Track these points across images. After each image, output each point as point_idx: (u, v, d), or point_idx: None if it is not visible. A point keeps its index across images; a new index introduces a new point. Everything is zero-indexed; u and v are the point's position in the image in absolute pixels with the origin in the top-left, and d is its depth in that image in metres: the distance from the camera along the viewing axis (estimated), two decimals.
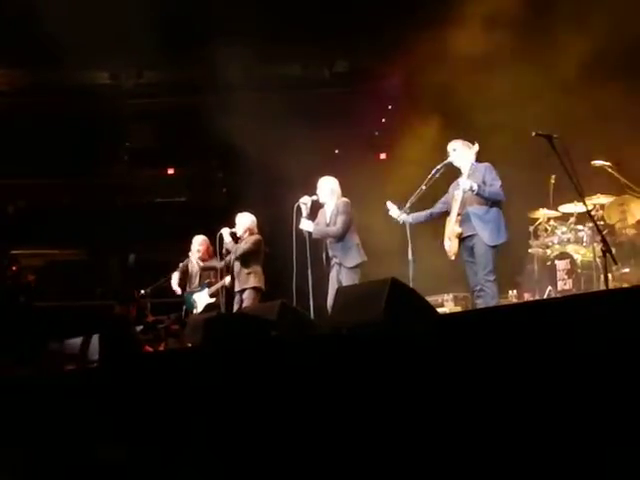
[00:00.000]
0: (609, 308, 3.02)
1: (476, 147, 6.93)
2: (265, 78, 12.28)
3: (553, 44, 9.36)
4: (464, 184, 6.73)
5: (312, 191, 7.78)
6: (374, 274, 7.08)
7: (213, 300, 9.07)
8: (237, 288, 8.55)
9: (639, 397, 2.80)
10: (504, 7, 9.33)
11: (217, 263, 8.92)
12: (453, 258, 6.85)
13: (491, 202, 6.73)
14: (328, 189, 7.72)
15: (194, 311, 9.13)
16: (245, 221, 8.76)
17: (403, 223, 7.10)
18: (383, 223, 7.84)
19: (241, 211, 8.95)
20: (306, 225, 7.63)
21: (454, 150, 6.96)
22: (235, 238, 8.66)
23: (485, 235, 6.66)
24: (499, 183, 6.75)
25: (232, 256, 8.61)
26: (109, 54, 11.28)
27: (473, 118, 9.08)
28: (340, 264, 7.47)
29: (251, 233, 8.71)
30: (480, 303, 6.65)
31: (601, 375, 2.91)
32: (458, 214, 6.77)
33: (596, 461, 2.86)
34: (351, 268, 7.43)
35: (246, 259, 8.51)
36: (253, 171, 11.26)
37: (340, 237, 7.50)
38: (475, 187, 6.65)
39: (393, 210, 7.19)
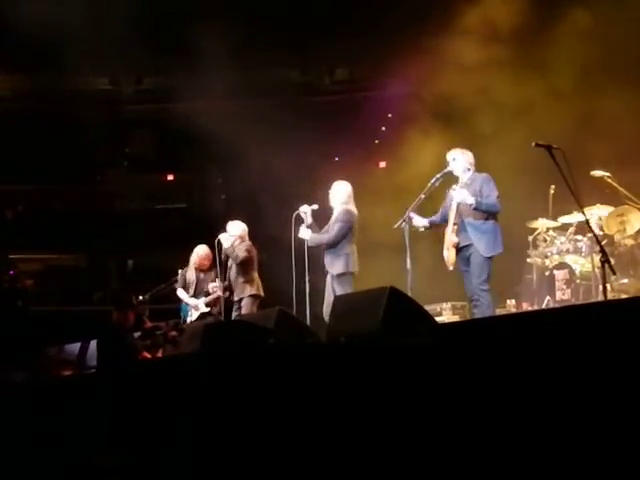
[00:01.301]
0: (607, 319, 3.02)
1: (471, 157, 6.96)
2: (265, 85, 12.31)
3: (553, 54, 9.39)
4: (458, 196, 6.74)
5: (312, 199, 7.79)
6: (372, 283, 7.06)
7: (208, 309, 9.05)
8: (235, 297, 8.56)
9: (636, 408, 2.80)
10: (505, 16, 9.37)
11: (219, 292, 8.85)
12: (451, 268, 6.84)
13: (487, 213, 6.74)
14: (333, 194, 7.71)
15: (188, 319, 9.11)
16: (236, 229, 8.77)
17: (402, 230, 7.06)
18: (381, 231, 7.84)
19: (239, 217, 8.97)
20: (304, 234, 7.61)
21: (454, 159, 6.96)
22: (219, 246, 8.69)
23: (481, 246, 6.67)
24: (496, 194, 6.75)
25: (230, 262, 8.63)
26: (109, 60, 11.29)
27: (473, 127, 9.10)
28: (328, 271, 7.47)
29: (242, 241, 8.72)
30: (476, 313, 6.65)
31: (599, 385, 2.91)
32: (454, 224, 6.78)
33: (591, 468, 2.86)
34: (337, 276, 7.37)
35: (242, 267, 8.51)
36: (252, 178, 11.28)
37: (332, 244, 7.44)
38: (472, 201, 6.65)
39: (417, 219, 7.04)
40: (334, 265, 7.41)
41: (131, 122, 13.57)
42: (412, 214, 7.06)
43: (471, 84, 9.73)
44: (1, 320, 9.41)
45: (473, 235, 6.70)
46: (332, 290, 7.32)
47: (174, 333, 7.24)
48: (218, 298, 8.83)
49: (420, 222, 7.04)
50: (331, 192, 7.72)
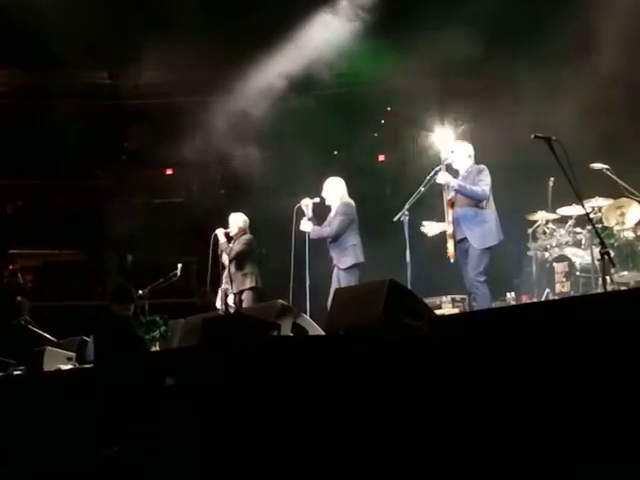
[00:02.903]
0: (607, 310, 3.02)
1: (471, 148, 6.96)
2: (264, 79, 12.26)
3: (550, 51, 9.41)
4: (441, 178, 6.74)
5: (312, 192, 7.79)
6: (372, 276, 7.07)
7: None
8: (234, 290, 8.55)
9: (636, 401, 2.80)
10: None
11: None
12: (452, 260, 6.83)
13: (482, 203, 6.72)
14: (330, 190, 7.73)
15: None
16: (238, 221, 8.77)
17: (402, 223, 7.04)
18: (381, 224, 7.83)
19: (237, 212, 8.96)
20: (306, 226, 7.64)
21: (452, 152, 6.95)
22: (229, 238, 8.69)
23: (474, 239, 6.66)
24: (484, 183, 6.73)
25: (226, 257, 8.63)
26: (108, 54, 11.27)
27: (472, 120, 9.10)
28: (336, 265, 7.49)
29: (244, 233, 8.73)
30: (475, 306, 6.65)
31: (599, 377, 2.90)
32: (448, 214, 6.78)
33: (588, 464, 2.86)
34: (346, 269, 7.42)
35: (240, 260, 8.53)
36: (251, 172, 11.25)
37: (335, 238, 7.50)
38: (454, 184, 6.66)
39: (431, 227, 7.00)
40: (342, 259, 7.45)
41: (130, 116, 13.53)
42: (425, 223, 7.00)
43: (468, 77, 9.75)
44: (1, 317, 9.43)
45: (466, 228, 6.70)
46: (338, 283, 7.35)
47: (164, 328, 7.29)
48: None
49: (437, 229, 6.99)
50: (327, 188, 7.73)
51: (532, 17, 9.65)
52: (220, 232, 8.67)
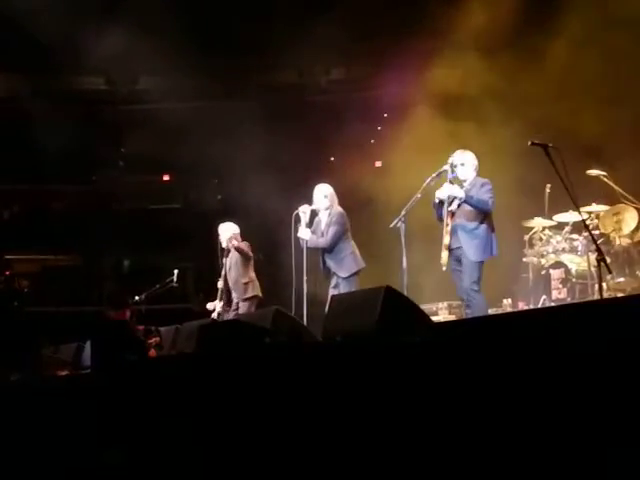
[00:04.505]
0: (603, 317, 3.02)
1: (477, 162, 6.92)
2: (262, 85, 12.30)
3: (545, 54, 9.43)
4: (447, 189, 6.67)
5: (309, 199, 7.77)
6: (369, 282, 7.06)
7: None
8: (235, 299, 8.54)
9: (631, 409, 2.80)
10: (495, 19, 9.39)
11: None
12: (444, 269, 6.80)
13: (481, 217, 6.70)
14: (322, 196, 7.68)
15: None
16: (227, 231, 8.71)
17: (398, 230, 7.01)
18: (377, 231, 7.82)
19: (234, 219, 8.92)
20: (304, 233, 7.58)
21: (462, 164, 6.83)
22: (221, 250, 8.64)
23: (470, 251, 6.63)
24: (489, 196, 6.69)
25: (229, 264, 8.61)
26: (105, 60, 11.29)
27: (468, 125, 9.11)
28: (336, 274, 7.46)
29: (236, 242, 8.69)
30: (469, 313, 6.64)
31: (594, 383, 2.90)
32: (447, 225, 6.75)
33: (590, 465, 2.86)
34: (346, 278, 7.38)
35: (242, 268, 8.49)
36: (248, 178, 11.26)
37: (330, 248, 7.46)
38: (461, 194, 6.60)
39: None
40: (342, 268, 7.40)
41: (127, 122, 13.54)
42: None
43: (465, 84, 9.76)
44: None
45: (463, 239, 6.66)
46: (338, 291, 7.30)
47: (157, 339, 7.28)
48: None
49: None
50: (322, 194, 7.66)
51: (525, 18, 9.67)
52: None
